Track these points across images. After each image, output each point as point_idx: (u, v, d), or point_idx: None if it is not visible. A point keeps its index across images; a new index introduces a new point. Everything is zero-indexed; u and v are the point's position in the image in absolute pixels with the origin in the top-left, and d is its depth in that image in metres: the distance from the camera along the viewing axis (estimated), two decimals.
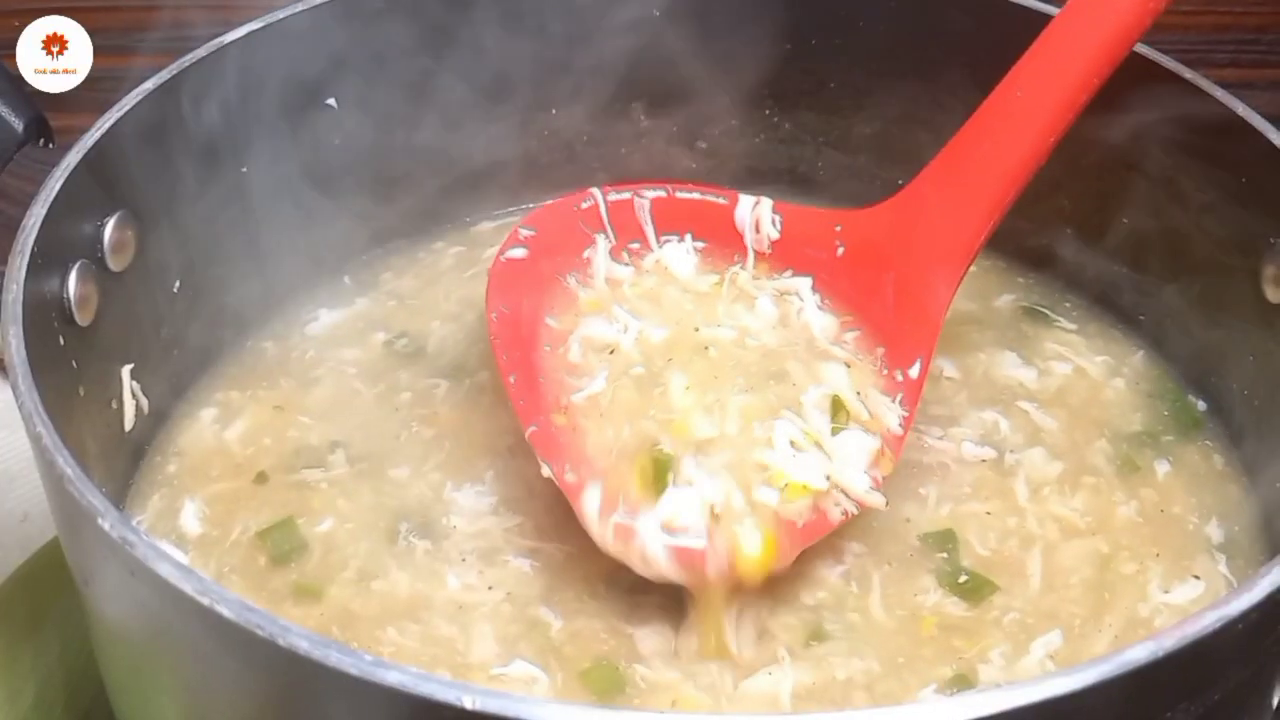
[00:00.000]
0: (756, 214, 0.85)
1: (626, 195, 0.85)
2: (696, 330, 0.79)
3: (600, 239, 0.84)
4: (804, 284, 0.83)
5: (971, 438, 0.82)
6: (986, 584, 0.73)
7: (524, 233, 0.82)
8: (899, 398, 0.77)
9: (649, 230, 0.85)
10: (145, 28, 0.85)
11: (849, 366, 0.78)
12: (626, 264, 0.84)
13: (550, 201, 0.86)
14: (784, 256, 0.85)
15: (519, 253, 0.81)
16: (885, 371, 0.79)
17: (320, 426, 0.82)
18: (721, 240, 0.85)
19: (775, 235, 0.85)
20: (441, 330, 0.88)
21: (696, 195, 0.87)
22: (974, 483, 0.79)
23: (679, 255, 0.84)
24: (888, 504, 0.74)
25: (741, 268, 0.84)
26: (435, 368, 0.86)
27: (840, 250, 0.83)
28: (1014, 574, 0.74)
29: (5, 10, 0.94)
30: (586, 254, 0.83)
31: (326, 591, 0.73)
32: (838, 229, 0.84)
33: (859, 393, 0.77)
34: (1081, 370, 0.87)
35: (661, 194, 0.86)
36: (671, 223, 0.85)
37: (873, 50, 0.92)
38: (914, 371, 0.78)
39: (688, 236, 0.85)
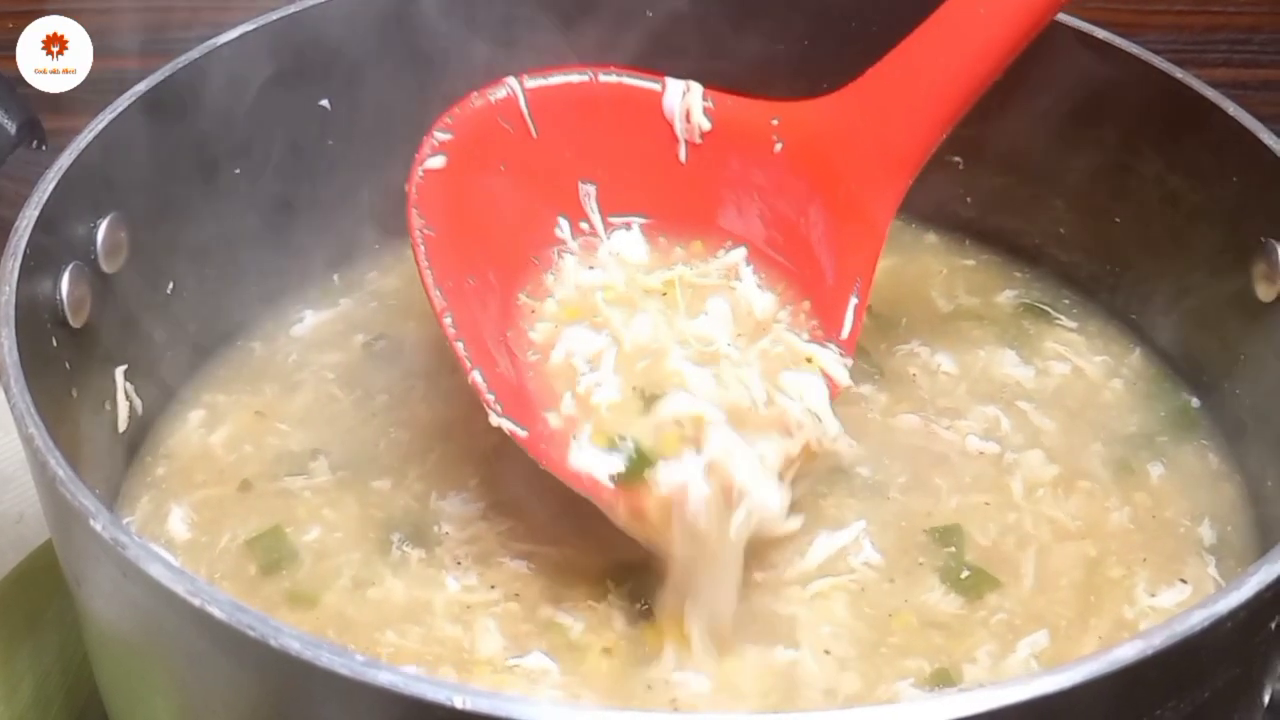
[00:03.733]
0: (687, 102, 0.80)
1: (542, 81, 0.79)
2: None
3: (569, 257, 0.80)
4: (739, 255, 0.80)
5: (976, 431, 0.82)
6: (988, 580, 0.74)
7: (440, 137, 0.76)
8: (837, 349, 0.76)
9: (596, 219, 0.81)
10: (145, 28, 0.85)
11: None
12: (591, 267, 0.80)
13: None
14: (718, 151, 0.80)
15: (438, 162, 0.75)
16: (815, 325, 0.77)
17: (299, 434, 0.81)
18: (667, 211, 0.81)
19: (706, 126, 0.80)
20: (418, 331, 0.87)
21: (624, 80, 0.81)
22: (975, 475, 0.79)
23: (630, 244, 0.81)
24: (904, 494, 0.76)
25: (686, 265, 0.80)
26: (411, 369, 0.85)
27: (778, 147, 0.80)
28: (1009, 573, 0.74)
29: (5, 11, 0.94)
30: (555, 255, 0.80)
31: (321, 598, 0.72)
32: (775, 122, 0.80)
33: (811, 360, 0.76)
34: (1080, 371, 0.87)
35: (585, 78, 0.80)
36: (615, 193, 0.81)
37: (868, 52, 0.92)
38: (846, 326, 0.76)
39: (635, 224, 0.81)
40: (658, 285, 0.80)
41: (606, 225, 0.81)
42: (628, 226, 0.81)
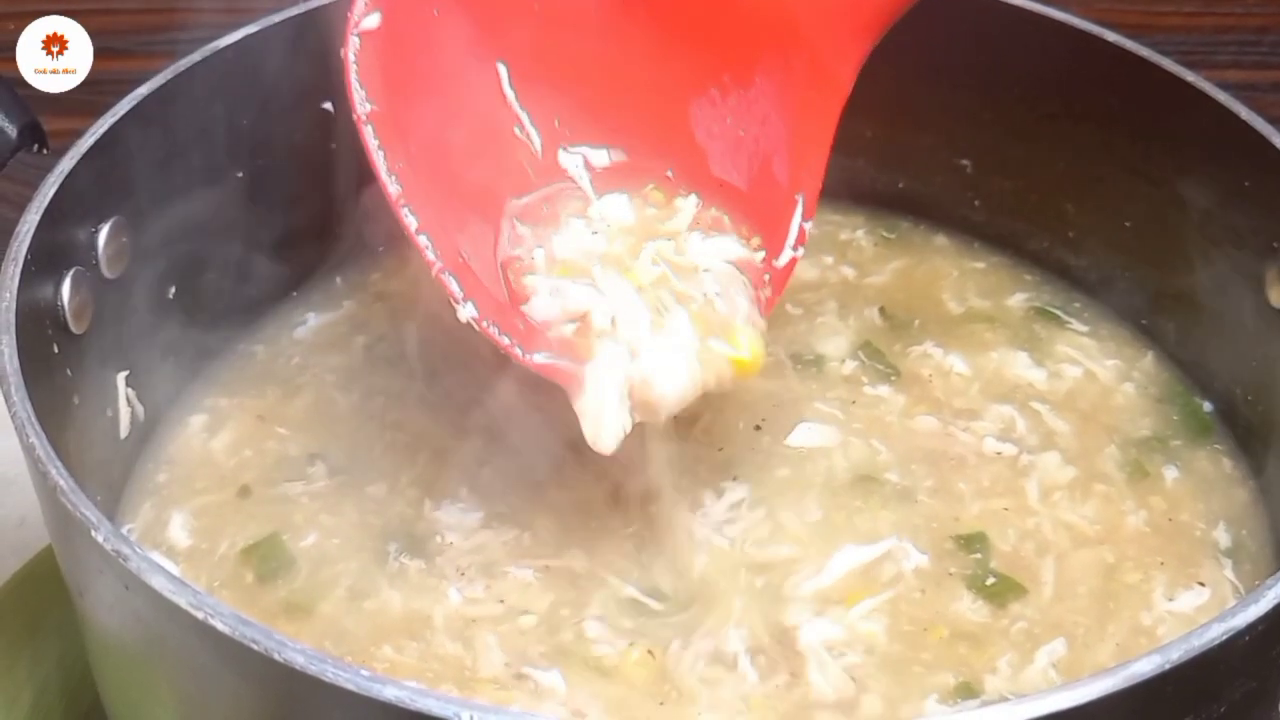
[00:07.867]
0: None
1: None
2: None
3: (575, 220, 0.75)
4: (692, 203, 0.75)
5: (993, 433, 0.81)
6: (1014, 586, 0.73)
7: None
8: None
9: (585, 185, 0.76)
10: (145, 29, 0.85)
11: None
12: (594, 230, 0.75)
13: None
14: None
15: (373, 21, 0.67)
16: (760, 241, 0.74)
17: (299, 438, 0.81)
18: (608, 83, 0.75)
19: None
20: (420, 332, 0.86)
21: None
22: (993, 478, 0.79)
23: (619, 207, 0.76)
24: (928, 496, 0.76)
25: (655, 240, 0.75)
26: (410, 370, 0.84)
27: None
28: (1030, 580, 0.74)
29: (5, 12, 0.94)
30: (561, 216, 0.75)
31: (317, 608, 0.72)
32: None
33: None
34: (1092, 374, 0.86)
35: None
36: (560, 60, 0.74)
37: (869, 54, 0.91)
38: (793, 231, 0.72)
39: (613, 163, 0.77)
40: (648, 280, 0.75)
41: (566, 138, 0.75)
42: (597, 164, 0.76)
